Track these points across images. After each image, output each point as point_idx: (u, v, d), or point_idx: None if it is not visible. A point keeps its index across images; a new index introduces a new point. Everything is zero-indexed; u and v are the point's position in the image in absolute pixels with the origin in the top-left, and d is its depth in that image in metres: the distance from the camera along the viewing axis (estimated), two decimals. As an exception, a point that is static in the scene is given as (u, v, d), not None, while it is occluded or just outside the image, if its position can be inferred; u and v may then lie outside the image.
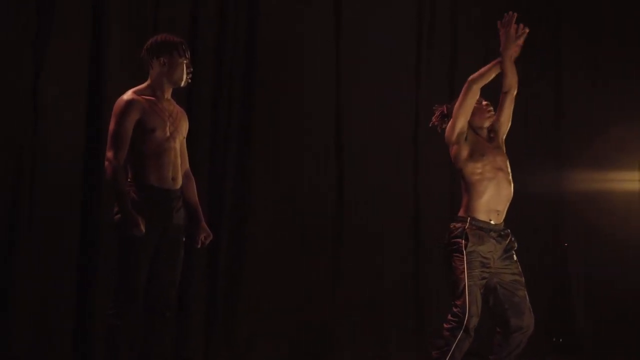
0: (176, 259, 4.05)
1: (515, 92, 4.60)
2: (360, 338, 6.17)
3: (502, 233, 4.41)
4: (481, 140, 4.54)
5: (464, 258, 4.29)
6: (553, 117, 7.09)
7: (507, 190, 4.46)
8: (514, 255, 4.44)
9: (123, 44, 5.37)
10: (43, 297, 5.11)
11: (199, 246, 4.16)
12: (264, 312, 5.86)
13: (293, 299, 5.95)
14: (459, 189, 6.28)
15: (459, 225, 4.38)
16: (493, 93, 4.67)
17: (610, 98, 7.03)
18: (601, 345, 6.81)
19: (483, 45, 6.81)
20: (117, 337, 3.89)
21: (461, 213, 4.43)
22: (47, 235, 5.13)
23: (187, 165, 4.18)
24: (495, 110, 4.63)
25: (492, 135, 4.60)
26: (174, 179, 4.01)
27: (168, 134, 3.99)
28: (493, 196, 4.41)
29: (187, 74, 4.07)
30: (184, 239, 4.10)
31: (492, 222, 4.38)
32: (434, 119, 4.75)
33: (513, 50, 4.56)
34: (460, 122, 4.47)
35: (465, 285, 4.25)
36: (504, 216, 4.45)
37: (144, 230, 3.81)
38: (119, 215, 3.86)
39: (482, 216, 4.37)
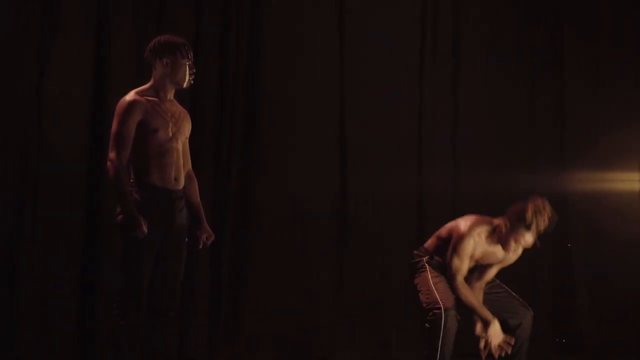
0: (179, 259, 4.06)
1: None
2: (361, 338, 6.17)
3: None
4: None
5: (427, 268, 4.62)
6: (555, 117, 7.07)
7: None
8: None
9: (126, 45, 5.38)
10: (45, 297, 5.13)
11: (200, 247, 4.17)
12: (266, 313, 5.87)
13: (295, 299, 5.95)
14: (461, 188, 6.33)
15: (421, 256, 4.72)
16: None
17: (612, 98, 7.02)
18: (604, 346, 6.79)
19: (485, 45, 6.83)
20: (121, 337, 3.90)
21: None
22: (50, 236, 5.15)
23: (190, 166, 4.18)
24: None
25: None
26: (176, 179, 4.02)
27: (170, 134, 4.00)
28: None
29: (190, 75, 4.07)
30: (186, 239, 4.11)
31: None
32: None
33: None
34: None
35: (431, 285, 4.51)
36: None
37: (146, 231, 3.82)
38: (121, 216, 3.86)
39: None
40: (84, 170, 5.27)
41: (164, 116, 3.99)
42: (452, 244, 4.53)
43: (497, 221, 4.55)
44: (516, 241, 4.44)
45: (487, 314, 4.46)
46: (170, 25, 5.46)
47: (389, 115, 6.38)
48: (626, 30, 7.08)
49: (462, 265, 4.49)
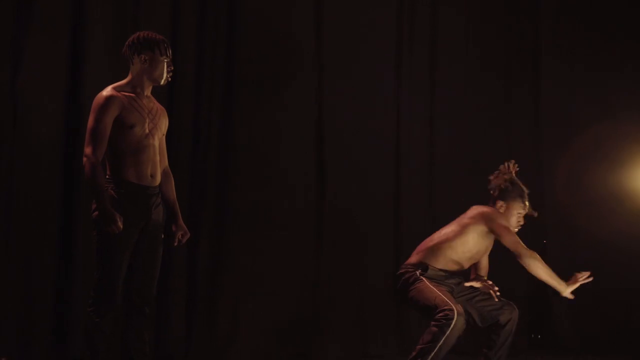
0: (155, 255, 4.04)
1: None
2: (342, 334, 6.19)
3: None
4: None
5: (423, 279, 4.62)
6: (533, 115, 7.14)
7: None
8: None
9: (102, 39, 5.34)
10: (20, 295, 5.09)
11: (176, 244, 4.16)
12: (242, 310, 5.87)
13: (272, 297, 5.95)
14: (438, 188, 6.34)
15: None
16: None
17: (590, 95, 7.06)
18: (579, 341, 6.85)
19: (462, 42, 6.86)
20: (95, 333, 3.88)
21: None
22: (25, 232, 5.11)
23: (166, 163, 4.16)
24: None
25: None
26: (152, 176, 4.00)
27: (147, 130, 3.98)
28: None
29: (168, 72, 4.05)
30: (162, 236, 4.09)
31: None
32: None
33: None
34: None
35: (435, 291, 4.52)
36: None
37: (122, 227, 3.80)
38: (97, 212, 3.84)
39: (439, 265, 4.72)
40: (60, 166, 5.23)
41: (141, 112, 3.97)
42: (493, 231, 4.65)
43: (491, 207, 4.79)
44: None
45: (560, 283, 4.71)
46: (147, 19, 5.43)
47: (367, 114, 6.40)
48: (603, 18, 7.11)
49: (516, 237, 4.65)
